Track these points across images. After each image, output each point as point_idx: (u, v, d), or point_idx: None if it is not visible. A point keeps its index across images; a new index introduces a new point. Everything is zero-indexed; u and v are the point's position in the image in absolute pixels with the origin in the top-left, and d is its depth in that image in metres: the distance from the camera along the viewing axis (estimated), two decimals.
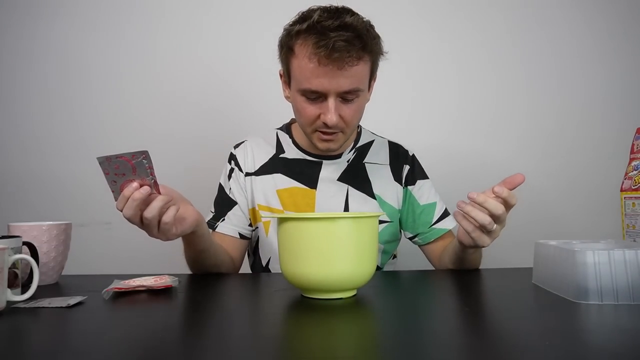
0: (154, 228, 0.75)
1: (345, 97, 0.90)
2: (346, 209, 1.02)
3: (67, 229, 0.87)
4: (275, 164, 1.05)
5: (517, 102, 1.51)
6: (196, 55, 1.53)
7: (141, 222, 0.75)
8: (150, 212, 0.73)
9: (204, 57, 1.53)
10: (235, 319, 0.61)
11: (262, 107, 1.49)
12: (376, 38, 0.90)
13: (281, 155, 1.06)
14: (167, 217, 0.75)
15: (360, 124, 1.12)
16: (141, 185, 0.72)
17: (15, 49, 1.53)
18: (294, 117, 1.04)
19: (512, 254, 1.46)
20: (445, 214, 1.07)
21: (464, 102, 1.52)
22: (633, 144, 0.92)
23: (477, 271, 0.92)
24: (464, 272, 0.91)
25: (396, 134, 1.20)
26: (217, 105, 1.53)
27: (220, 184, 1.09)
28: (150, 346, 0.48)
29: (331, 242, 0.65)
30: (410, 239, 1.10)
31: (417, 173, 1.09)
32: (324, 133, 0.94)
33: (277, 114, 1.18)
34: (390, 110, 1.50)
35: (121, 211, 0.73)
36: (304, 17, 0.88)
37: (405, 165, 1.08)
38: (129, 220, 0.74)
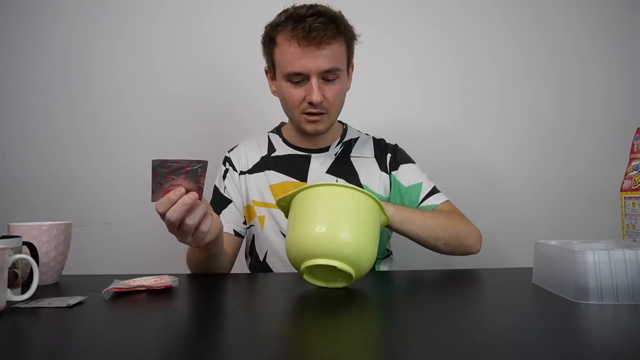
0: (189, 235, 0.75)
1: (326, 77, 0.96)
2: None
3: (67, 229, 0.87)
4: (267, 162, 1.09)
5: (517, 102, 1.51)
6: (198, 55, 1.53)
7: (177, 227, 0.74)
8: (193, 218, 0.73)
9: (206, 57, 1.53)
10: (235, 319, 0.61)
11: (264, 106, 1.49)
12: (347, 23, 0.99)
13: (272, 155, 1.10)
14: (205, 225, 0.75)
15: (347, 122, 1.17)
16: (187, 191, 0.71)
17: (16, 48, 1.53)
18: (283, 120, 1.13)
19: (512, 254, 1.47)
20: (432, 192, 1.08)
21: (463, 103, 1.52)
22: (633, 144, 0.92)
23: (478, 271, 0.92)
24: (463, 272, 0.91)
25: (395, 133, 1.21)
26: (219, 105, 1.53)
27: (214, 186, 1.12)
28: (150, 346, 0.48)
29: (335, 206, 0.70)
30: None
31: (400, 159, 1.12)
32: (310, 115, 0.99)
33: (274, 114, 1.19)
34: (388, 109, 1.50)
35: (161, 213, 0.72)
36: (282, 13, 0.98)
37: (388, 154, 1.12)
38: (170, 223, 0.72)
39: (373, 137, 1.15)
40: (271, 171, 1.08)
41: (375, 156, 1.11)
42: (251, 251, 1.11)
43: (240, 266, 1.15)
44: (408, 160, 1.13)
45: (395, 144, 1.15)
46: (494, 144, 1.51)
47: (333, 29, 0.94)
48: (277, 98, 1.05)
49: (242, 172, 1.10)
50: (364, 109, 1.44)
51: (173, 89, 1.53)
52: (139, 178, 1.54)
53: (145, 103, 1.53)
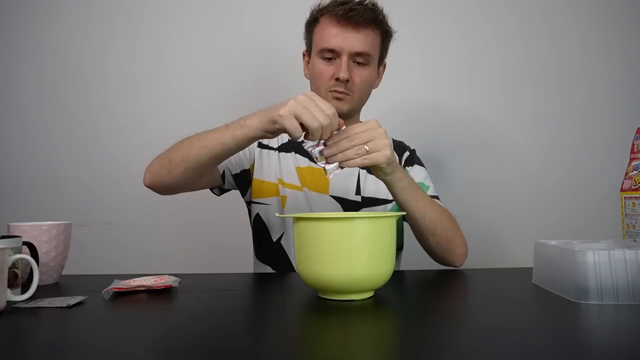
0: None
1: (356, 59, 1.01)
2: (358, 189, 1.09)
3: (67, 229, 0.87)
4: (294, 144, 1.12)
5: (517, 102, 1.51)
6: (197, 54, 1.53)
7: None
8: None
9: (205, 56, 1.53)
10: (236, 319, 0.61)
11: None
12: (385, 18, 1.04)
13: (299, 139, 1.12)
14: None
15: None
16: None
17: (15, 48, 1.53)
18: None
19: (512, 254, 1.47)
20: (435, 198, 1.08)
21: (464, 102, 1.52)
22: (633, 144, 0.92)
23: (478, 271, 0.92)
24: (463, 272, 0.91)
25: (399, 130, 1.22)
26: (218, 105, 1.52)
27: None
28: (150, 346, 0.48)
29: (348, 243, 0.64)
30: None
31: (416, 160, 1.16)
32: (336, 92, 1.02)
33: None
34: (393, 106, 1.51)
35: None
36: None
37: (405, 152, 1.16)
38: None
39: (393, 138, 1.18)
40: (298, 154, 1.11)
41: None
42: (261, 233, 1.09)
43: (241, 266, 1.15)
44: (422, 164, 1.16)
45: (414, 149, 1.19)
46: (494, 143, 1.51)
47: (371, 16, 1.00)
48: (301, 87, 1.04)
49: (270, 148, 1.11)
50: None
51: (173, 88, 1.53)
52: (139, 178, 1.54)
53: (146, 102, 1.53)
